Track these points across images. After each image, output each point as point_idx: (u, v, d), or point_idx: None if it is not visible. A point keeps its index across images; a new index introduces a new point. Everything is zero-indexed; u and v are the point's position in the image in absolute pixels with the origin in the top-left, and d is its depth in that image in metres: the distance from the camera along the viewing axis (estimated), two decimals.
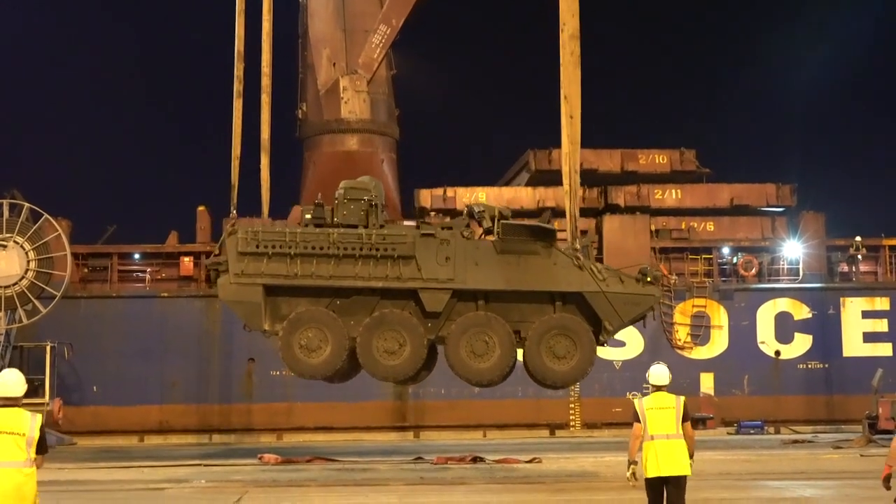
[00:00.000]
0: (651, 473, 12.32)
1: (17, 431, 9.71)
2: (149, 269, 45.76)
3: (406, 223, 24.37)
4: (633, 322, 22.79)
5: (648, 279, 22.19)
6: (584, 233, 23.61)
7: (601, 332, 21.89)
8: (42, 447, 9.86)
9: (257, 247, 21.35)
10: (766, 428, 43.60)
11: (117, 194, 75.16)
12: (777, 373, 44.94)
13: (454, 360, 21.64)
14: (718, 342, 44.88)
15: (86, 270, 45.22)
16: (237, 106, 22.93)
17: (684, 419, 12.43)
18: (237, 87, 22.99)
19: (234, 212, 22.50)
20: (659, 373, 12.72)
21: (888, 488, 11.46)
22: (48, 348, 38.30)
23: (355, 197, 22.05)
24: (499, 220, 21.94)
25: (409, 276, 21.48)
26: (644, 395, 13.09)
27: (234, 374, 43.23)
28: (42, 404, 37.12)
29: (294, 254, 21.31)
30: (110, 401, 42.05)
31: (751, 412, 43.49)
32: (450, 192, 47.36)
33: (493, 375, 21.85)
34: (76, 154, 77.66)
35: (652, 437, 12.32)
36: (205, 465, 28.28)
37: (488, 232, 22.09)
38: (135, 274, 46.18)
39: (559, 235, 22.74)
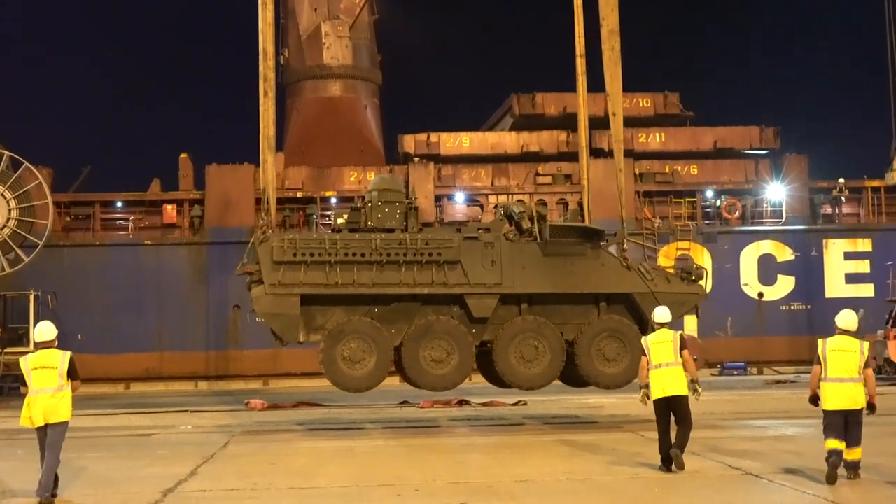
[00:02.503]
0: (657, 395, 14.62)
1: (52, 366, 13.00)
2: (132, 217, 45.59)
3: (441, 227, 23.36)
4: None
5: (693, 277, 21.94)
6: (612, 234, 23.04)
7: (646, 331, 21.43)
8: (73, 374, 13.06)
9: (294, 255, 20.34)
10: (749, 369, 43.96)
11: (99, 142, 74.79)
12: (760, 314, 45.23)
13: (503, 367, 20.92)
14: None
15: (68, 219, 45.02)
16: (265, 107, 21.58)
17: (681, 349, 14.68)
18: (263, 86, 21.57)
19: (265, 217, 21.24)
20: (662, 313, 15.35)
21: (816, 405, 13.75)
22: (31, 297, 38.21)
23: (391, 199, 21.40)
24: (538, 220, 21.38)
25: (455, 282, 20.75)
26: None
27: (219, 321, 43.24)
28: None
29: (334, 261, 20.41)
30: (95, 349, 41.90)
31: (734, 354, 43.82)
32: (433, 137, 47.10)
33: (543, 381, 21.16)
34: (57, 101, 77.12)
35: (656, 366, 14.66)
36: (191, 412, 28.37)
37: (523, 232, 21.42)
38: (117, 222, 46.01)
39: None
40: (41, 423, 12.91)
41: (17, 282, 38.46)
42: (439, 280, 20.65)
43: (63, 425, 13.06)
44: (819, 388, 13.44)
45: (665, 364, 14.64)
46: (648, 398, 14.83)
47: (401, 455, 17.41)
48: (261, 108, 21.64)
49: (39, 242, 36.63)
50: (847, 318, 13.65)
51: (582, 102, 24.58)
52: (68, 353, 13.15)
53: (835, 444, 13.15)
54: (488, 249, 20.91)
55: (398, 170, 46.59)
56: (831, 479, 12.92)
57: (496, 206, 23.84)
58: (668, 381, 14.56)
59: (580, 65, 24.19)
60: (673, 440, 14.47)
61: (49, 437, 12.94)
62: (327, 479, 14.54)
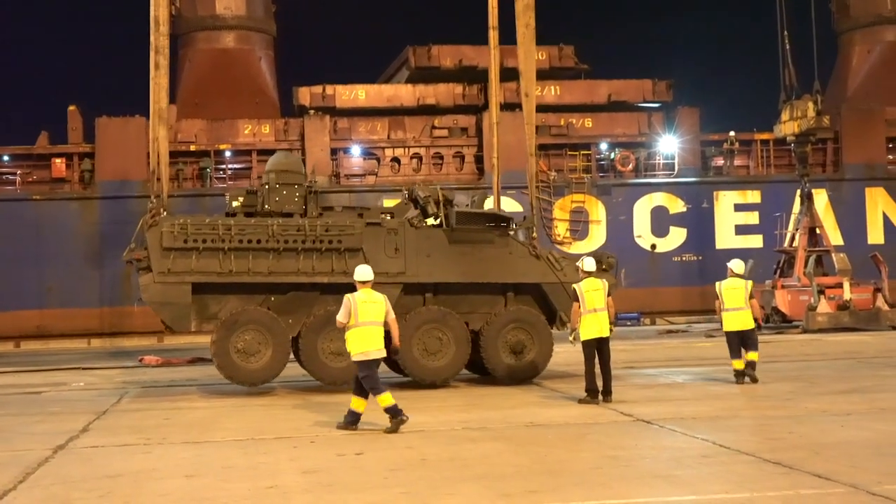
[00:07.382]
0: (591, 336, 16.86)
1: None
2: (19, 172, 44.48)
3: (343, 211, 21.74)
4: None
5: (603, 266, 21.37)
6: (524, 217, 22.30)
7: (555, 322, 20.85)
8: None
9: (185, 241, 19.19)
10: (642, 319, 44.80)
11: None
12: (653, 266, 46.08)
13: (406, 360, 19.83)
14: (596, 237, 45.73)
15: None
16: (158, 82, 20.37)
17: (608, 295, 17.11)
18: (154, 58, 20.35)
19: (155, 199, 20.12)
20: (589, 263, 17.37)
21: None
22: None
23: (289, 181, 20.41)
24: (445, 205, 20.53)
25: None
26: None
27: (111, 277, 42.47)
28: None
29: (228, 248, 19.33)
30: None
31: (628, 304, 44.37)
32: (329, 89, 46.72)
33: (447, 373, 20.12)
34: None
35: (590, 311, 16.84)
36: (83, 369, 27.91)
37: (426, 216, 20.67)
38: (4, 176, 44.83)
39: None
40: None
41: None
42: (340, 268, 19.66)
43: None
44: (721, 316, 18.91)
45: (599, 309, 16.87)
46: (576, 339, 16.98)
47: (298, 409, 17.38)
48: (151, 82, 20.47)
49: None
50: (737, 264, 18.92)
51: (494, 78, 23.89)
52: None
53: (736, 364, 18.64)
54: (392, 236, 20.07)
55: (293, 123, 46.18)
56: (740, 382, 18.48)
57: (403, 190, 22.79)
58: (600, 324, 16.85)
59: (493, 37, 23.51)
60: (600, 384, 16.84)
61: None
62: (222, 432, 14.45)
